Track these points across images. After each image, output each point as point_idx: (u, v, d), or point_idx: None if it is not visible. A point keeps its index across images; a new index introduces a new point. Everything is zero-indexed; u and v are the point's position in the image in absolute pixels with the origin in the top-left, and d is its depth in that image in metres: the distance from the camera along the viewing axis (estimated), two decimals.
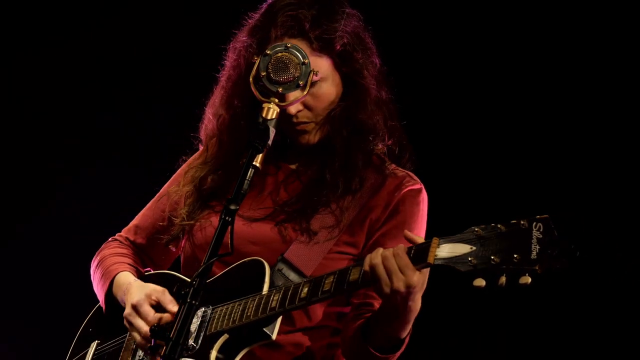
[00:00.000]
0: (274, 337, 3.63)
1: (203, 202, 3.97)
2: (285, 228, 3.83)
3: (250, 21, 3.91)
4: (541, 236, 3.23)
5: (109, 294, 3.99)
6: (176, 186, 4.06)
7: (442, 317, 5.87)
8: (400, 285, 3.41)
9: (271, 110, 3.61)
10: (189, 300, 3.33)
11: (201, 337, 3.68)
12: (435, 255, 3.36)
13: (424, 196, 3.92)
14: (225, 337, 3.66)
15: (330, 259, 3.81)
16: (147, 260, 4.15)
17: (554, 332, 5.83)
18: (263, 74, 3.65)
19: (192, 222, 3.94)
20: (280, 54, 3.66)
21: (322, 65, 3.81)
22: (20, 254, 6.51)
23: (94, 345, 4.08)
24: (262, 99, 3.64)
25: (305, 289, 3.57)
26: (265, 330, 3.63)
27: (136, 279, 3.95)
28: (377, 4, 3.97)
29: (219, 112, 3.98)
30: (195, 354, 3.66)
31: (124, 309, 3.85)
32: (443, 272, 3.39)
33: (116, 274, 3.99)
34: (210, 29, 6.08)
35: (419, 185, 3.92)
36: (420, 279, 3.43)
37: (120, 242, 4.16)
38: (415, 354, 3.88)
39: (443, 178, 5.77)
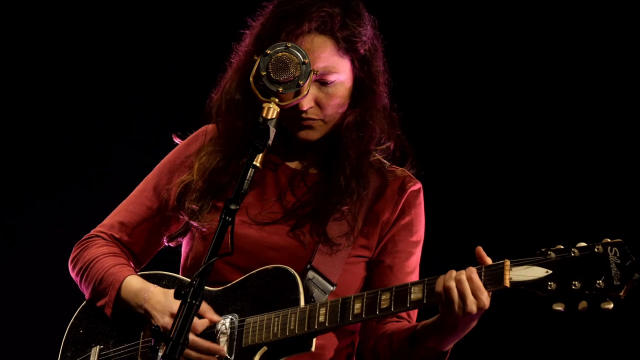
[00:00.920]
0: (313, 349, 3.68)
1: (213, 201, 3.93)
2: (303, 234, 3.87)
3: (276, 9, 3.86)
4: (619, 261, 3.29)
5: (117, 299, 3.94)
6: (167, 177, 4.01)
7: None
8: (473, 308, 3.50)
9: (271, 110, 3.60)
10: (189, 300, 3.32)
11: (235, 348, 3.71)
12: (510, 279, 3.42)
13: (422, 194, 4.01)
14: (264, 349, 3.70)
15: (350, 264, 3.88)
16: (130, 257, 4.08)
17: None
18: (263, 73, 3.64)
19: (203, 223, 3.90)
20: (280, 53, 3.66)
21: (344, 66, 3.84)
22: (20, 254, 6.51)
23: (95, 350, 3.98)
24: (263, 98, 3.63)
25: (358, 305, 3.62)
26: (306, 342, 3.67)
27: (155, 285, 3.90)
28: (377, 3, 3.95)
29: (234, 95, 3.93)
30: None
31: (137, 314, 3.85)
32: (510, 293, 3.45)
33: (124, 278, 3.93)
34: (210, 29, 6.10)
35: (419, 184, 4.00)
36: (489, 300, 3.51)
37: (105, 239, 4.07)
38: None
39: (443, 179, 5.78)
